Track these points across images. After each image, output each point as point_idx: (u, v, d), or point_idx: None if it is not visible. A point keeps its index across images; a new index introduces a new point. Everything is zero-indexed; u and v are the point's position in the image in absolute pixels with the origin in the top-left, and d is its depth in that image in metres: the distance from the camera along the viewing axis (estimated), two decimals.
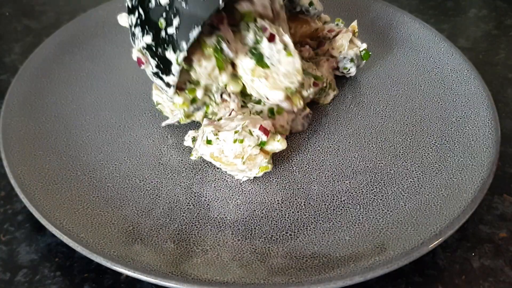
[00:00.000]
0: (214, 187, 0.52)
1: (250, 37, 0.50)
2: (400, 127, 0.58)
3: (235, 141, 0.49)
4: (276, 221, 0.49)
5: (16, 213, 0.52)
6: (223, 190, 0.51)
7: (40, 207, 0.47)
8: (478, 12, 0.81)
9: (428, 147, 0.55)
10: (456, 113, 0.58)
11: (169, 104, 0.55)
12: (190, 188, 0.51)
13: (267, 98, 0.52)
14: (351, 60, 0.61)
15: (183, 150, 0.55)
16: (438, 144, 0.55)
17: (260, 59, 0.50)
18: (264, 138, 0.49)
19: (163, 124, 0.57)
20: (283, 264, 0.45)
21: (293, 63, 0.50)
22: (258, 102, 0.54)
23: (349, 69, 0.62)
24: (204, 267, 0.44)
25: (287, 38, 0.51)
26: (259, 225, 0.48)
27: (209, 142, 0.49)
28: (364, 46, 0.62)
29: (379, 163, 0.54)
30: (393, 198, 0.50)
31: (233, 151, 0.49)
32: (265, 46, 0.50)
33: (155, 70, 0.50)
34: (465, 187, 0.50)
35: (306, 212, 0.49)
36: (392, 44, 0.68)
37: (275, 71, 0.50)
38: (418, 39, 0.68)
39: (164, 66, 0.49)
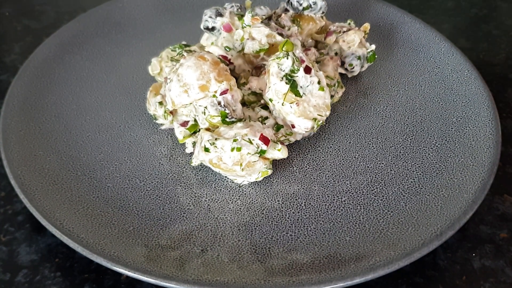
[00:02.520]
0: (214, 187, 0.51)
1: (287, 64, 0.51)
2: (401, 127, 0.57)
3: (232, 149, 0.49)
4: (276, 222, 0.49)
5: (16, 214, 0.52)
6: (223, 191, 0.51)
7: (40, 207, 0.47)
8: (478, 12, 0.81)
9: (428, 147, 0.55)
10: (457, 113, 0.58)
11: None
12: (191, 188, 0.51)
13: (293, 126, 0.53)
14: (358, 57, 0.61)
15: (183, 150, 0.55)
16: (438, 144, 0.55)
17: (294, 86, 0.51)
18: (264, 147, 0.49)
19: (162, 127, 0.57)
20: (283, 264, 0.45)
21: (324, 97, 0.52)
22: (265, 107, 0.54)
23: (353, 67, 0.62)
24: (204, 267, 0.44)
25: (321, 74, 0.53)
26: (259, 225, 0.48)
27: (206, 150, 0.49)
28: (372, 47, 0.62)
29: (380, 164, 0.54)
30: (393, 199, 0.50)
31: (232, 159, 0.49)
32: (300, 76, 0.52)
33: None
34: (465, 188, 0.50)
35: (306, 212, 0.49)
36: (392, 44, 0.68)
37: (306, 101, 0.52)
38: (418, 39, 0.68)
39: None
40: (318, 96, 0.52)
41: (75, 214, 0.48)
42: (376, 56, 0.62)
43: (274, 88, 0.52)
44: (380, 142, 0.56)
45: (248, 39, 0.56)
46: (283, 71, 0.51)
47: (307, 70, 0.52)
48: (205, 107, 0.51)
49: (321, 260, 0.45)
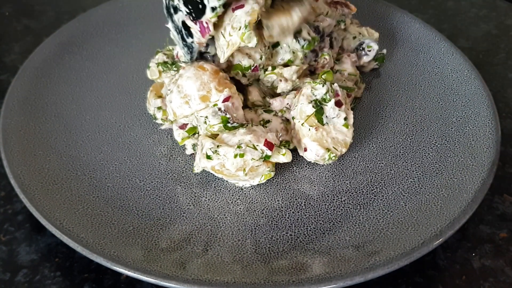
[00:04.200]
0: (215, 187, 0.51)
1: (320, 92, 0.51)
2: (400, 127, 0.57)
3: (236, 156, 0.48)
4: (276, 222, 0.49)
5: (16, 213, 0.52)
6: (223, 191, 0.51)
7: (40, 207, 0.47)
8: (478, 12, 0.81)
9: (428, 147, 0.55)
10: (457, 113, 0.58)
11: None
12: (191, 188, 0.51)
13: (305, 150, 0.52)
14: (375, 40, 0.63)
15: (183, 150, 0.55)
16: (438, 144, 0.55)
17: (319, 112, 0.51)
18: (269, 152, 0.49)
19: (162, 127, 0.57)
20: (284, 264, 0.45)
21: (346, 135, 0.52)
22: (268, 111, 0.54)
23: (370, 50, 0.62)
24: (205, 267, 0.44)
25: (351, 113, 0.53)
26: (259, 225, 0.48)
27: (208, 157, 0.49)
28: (384, 51, 0.64)
29: (380, 163, 0.54)
30: (393, 198, 0.50)
31: (235, 165, 0.49)
32: (329, 106, 0.51)
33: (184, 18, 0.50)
34: (465, 187, 0.50)
35: (306, 212, 0.49)
36: (392, 44, 0.68)
37: (326, 130, 0.51)
38: (418, 39, 0.68)
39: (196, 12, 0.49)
40: (340, 131, 0.52)
41: (75, 214, 0.48)
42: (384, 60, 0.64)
43: (300, 107, 0.52)
44: (379, 142, 0.56)
45: (280, 80, 0.55)
46: (315, 96, 0.52)
47: (338, 104, 0.52)
48: (206, 117, 0.50)
49: (321, 259, 0.45)
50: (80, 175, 0.52)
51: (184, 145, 0.55)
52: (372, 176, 0.52)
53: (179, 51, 0.55)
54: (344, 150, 0.52)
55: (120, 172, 0.53)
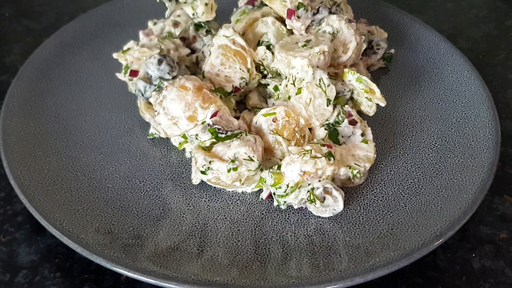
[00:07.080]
0: (214, 188, 0.51)
1: (332, 116, 0.52)
2: (400, 127, 0.57)
3: (229, 170, 0.48)
4: (276, 222, 0.49)
5: (16, 214, 0.52)
6: (223, 192, 0.51)
7: (40, 208, 0.47)
8: (478, 12, 0.81)
9: (428, 148, 0.55)
10: (456, 114, 0.58)
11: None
12: (190, 189, 0.51)
13: None
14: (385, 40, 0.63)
15: (183, 152, 0.55)
16: (438, 144, 0.55)
17: (333, 134, 0.51)
18: None
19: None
20: (283, 265, 0.45)
21: (367, 150, 0.51)
22: None
23: (379, 48, 0.63)
24: (204, 268, 0.44)
25: (369, 129, 0.52)
26: (259, 226, 0.48)
27: (203, 172, 0.49)
28: (392, 51, 0.64)
29: (379, 164, 0.54)
30: (393, 199, 0.50)
31: (230, 178, 0.48)
32: (343, 126, 0.51)
33: None
34: (465, 188, 0.50)
35: (306, 212, 0.49)
36: (392, 45, 0.68)
37: (344, 148, 0.51)
38: (418, 40, 0.68)
39: None
40: (360, 147, 0.51)
41: (75, 215, 0.48)
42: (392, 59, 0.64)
43: (316, 132, 0.52)
44: (379, 142, 0.56)
45: None
46: (327, 121, 0.52)
47: (353, 123, 0.52)
48: (196, 135, 0.50)
49: (321, 260, 0.45)
50: (80, 176, 0.52)
51: (184, 148, 0.55)
52: (372, 177, 0.52)
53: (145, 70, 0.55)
54: (368, 165, 0.50)
55: (120, 173, 0.52)
